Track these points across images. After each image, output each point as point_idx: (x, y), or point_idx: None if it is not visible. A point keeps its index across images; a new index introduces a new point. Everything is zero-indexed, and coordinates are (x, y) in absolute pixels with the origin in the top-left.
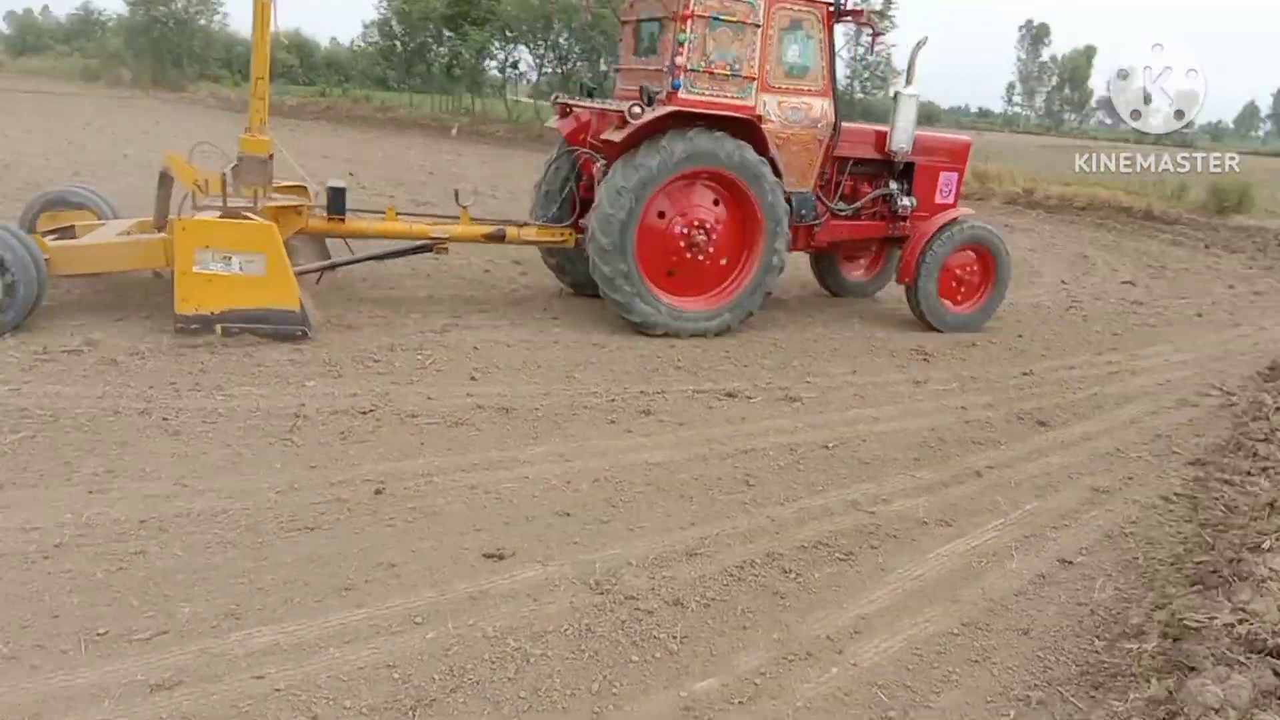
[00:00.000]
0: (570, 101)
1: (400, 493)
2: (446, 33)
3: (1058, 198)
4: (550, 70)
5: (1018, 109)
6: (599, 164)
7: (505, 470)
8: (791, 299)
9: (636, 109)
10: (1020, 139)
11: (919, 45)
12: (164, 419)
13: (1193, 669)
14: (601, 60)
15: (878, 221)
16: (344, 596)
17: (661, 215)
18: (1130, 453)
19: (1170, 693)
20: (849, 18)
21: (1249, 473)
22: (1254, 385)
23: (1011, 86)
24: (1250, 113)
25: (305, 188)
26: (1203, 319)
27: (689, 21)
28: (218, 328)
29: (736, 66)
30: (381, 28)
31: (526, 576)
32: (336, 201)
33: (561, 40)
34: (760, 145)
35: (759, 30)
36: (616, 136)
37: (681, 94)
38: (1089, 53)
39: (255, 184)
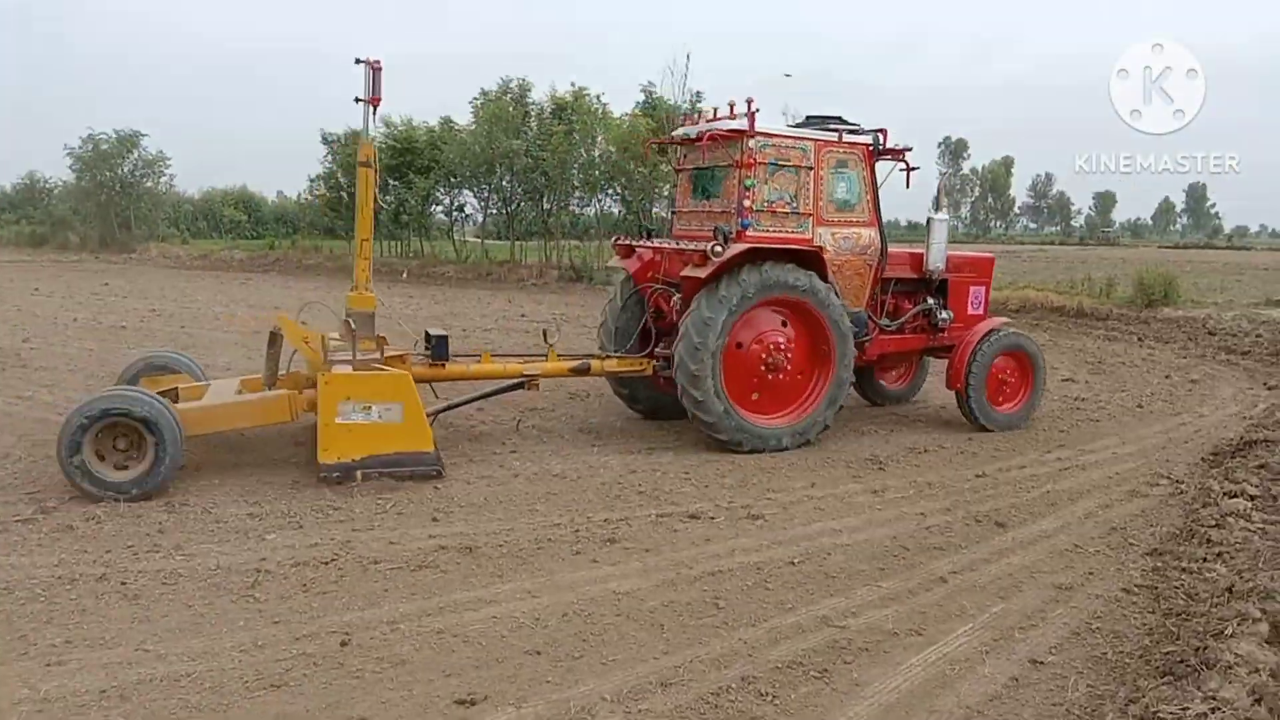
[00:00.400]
0: (633, 243)
1: (367, 643)
2: (392, 181)
3: (993, 302)
4: (495, 211)
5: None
6: (675, 298)
7: (472, 611)
8: None
9: (718, 248)
10: (950, 248)
11: (946, 176)
12: (122, 583)
13: None
14: (545, 199)
15: (920, 335)
16: None
17: (740, 343)
18: (1088, 547)
19: None
20: (887, 155)
21: (1205, 559)
22: (1200, 472)
23: (937, 199)
24: (1166, 209)
25: (384, 337)
26: (1144, 410)
27: (753, 168)
28: (358, 474)
29: (794, 204)
30: (327, 180)
31: None
32: (440, 348)
33: (505, 183)
34: (823, 273)
35: (811, 172)
36: (701, 273)
37: (750, 232)
38: (1007, 163)
39: (367, 337)
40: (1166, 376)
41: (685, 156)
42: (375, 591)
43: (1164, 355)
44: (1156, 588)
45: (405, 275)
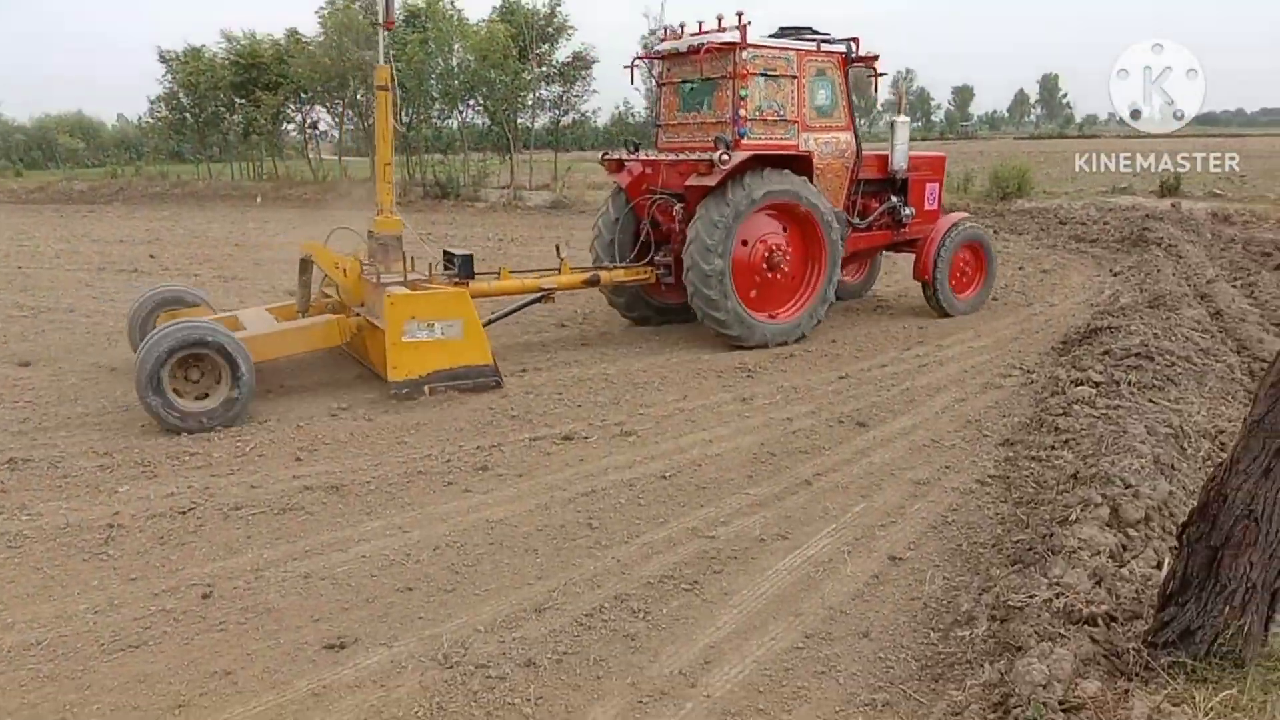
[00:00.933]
0: (622, 158)
1: (229, 593)
2: (238, 99)
3: None
4: (352, 127)
5: None
6: (677, 208)
7: (340, 552)
8: (616, 333)
9: (725, 156)
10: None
11: (906, 79)
12: None
13: (1019, 648)
14: (403, 112)
15: (886, 231)
16: (177, 715)
17: (745, 244)
18: (945, 441)
19: (1002, 675)
20: (858, 63)
21: (1053, 447)
22: (1050, 361)
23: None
24: (1021, 100)
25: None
26: (998, 302)
27: (745, 79)
28: (426, 389)
29: (782, 112)
30: (169, 101)
31: (371, 663)
32: (466, 267)
33: (359, 97)
34: (811, 178)
35: (795, 80)
36: (710, 181)
37: (746, 140)
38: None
39: (399, 259)
40: (1020, 268)
41: (670, 70)
42: (237, 539)
43: (1018, 247)
44: (1009, 477)
45: (259, 200)
